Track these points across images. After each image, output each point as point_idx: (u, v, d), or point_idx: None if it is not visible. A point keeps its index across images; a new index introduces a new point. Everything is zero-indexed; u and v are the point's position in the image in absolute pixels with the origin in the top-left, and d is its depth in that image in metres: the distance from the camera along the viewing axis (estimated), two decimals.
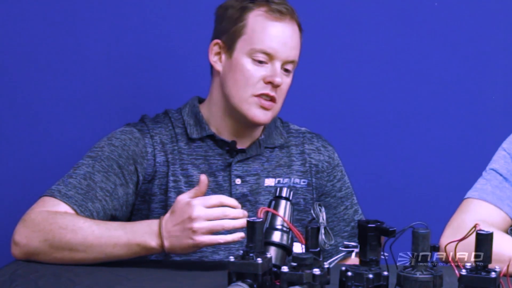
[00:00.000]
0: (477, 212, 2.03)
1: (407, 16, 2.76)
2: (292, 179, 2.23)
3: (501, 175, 2.09)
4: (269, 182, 2.19)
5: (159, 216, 2.14)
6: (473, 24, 2.76)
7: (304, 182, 2.24)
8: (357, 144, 2.72)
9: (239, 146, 2.18)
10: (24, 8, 2.64)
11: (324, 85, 2.73)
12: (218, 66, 2.16)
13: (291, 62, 2.14)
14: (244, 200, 2.17)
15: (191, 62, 2.65)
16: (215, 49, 2.16)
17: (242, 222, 1.86)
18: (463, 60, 2.77)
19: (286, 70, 2.14)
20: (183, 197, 1.91)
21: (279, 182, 2.20)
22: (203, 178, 1.93)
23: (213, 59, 2.17)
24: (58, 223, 1.96)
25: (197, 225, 1.87)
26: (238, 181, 2.18)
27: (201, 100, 2.24)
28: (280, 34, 2.11)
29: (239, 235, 1.86)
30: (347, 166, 2.33)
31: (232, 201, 1.90)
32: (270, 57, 2.11)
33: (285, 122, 2.30)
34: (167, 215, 1.93)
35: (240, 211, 1.88)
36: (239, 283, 1.60)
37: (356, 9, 2.74)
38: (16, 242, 1.99)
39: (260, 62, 2.11)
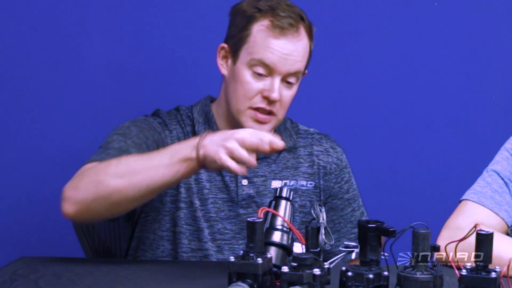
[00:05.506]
0: (474, 215, 2.02)
1: (407, 16, 2.76)
2: (299, 181, 2.22)
3: (502, 178, 2.08)
4: (276, 184, 2.19)
5: (170, 210, 2.16)
6: (473, 24, 2.76)
7: (310, 184, 2.23)
8: (357, 144, 2.72)
9: None
10: (38, 8, 2.64)
11: (325, 85, 2.73)
12: (224, 70, 2.16)
13: (293, 74, 2.11)
14: (250, 201, 2.17)
15: (203, 61, 2.65)
16: (222, 52, 2.16)
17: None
18: (463, 60, 2.77)
19: (289, 83, 2.12)
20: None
21: (285, 184, 2.20)
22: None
23: (220, 62, 2.16)
24: (103, 163, 1.92)
25: (230, 144, 1.80)
26: (244, 182, 2.18)
27: (213, 100, 2.24)
28: (280, 50, 2.08)
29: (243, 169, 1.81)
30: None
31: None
32: (269, 70, 2.09)
33: (295, 123, 2.29)
34: None
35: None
36: (239, 283, 1.60)
37: (356, 10, 2.74)
38: (65, 198, 1.92)
39: (260, 75, 2.09)
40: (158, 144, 2.11)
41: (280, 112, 2.13)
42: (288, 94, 2.13)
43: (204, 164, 1.85)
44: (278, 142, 1.81)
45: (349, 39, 2.74)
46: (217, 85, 2.24)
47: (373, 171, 2.77)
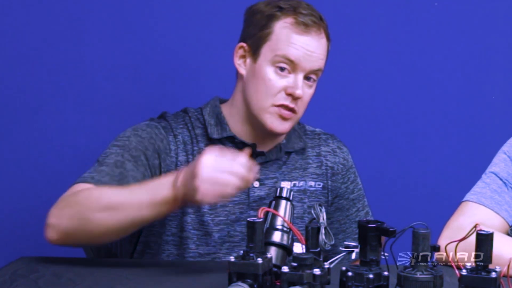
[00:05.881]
0: (475, 215, 2.03)
1: (407, 16, 2.76)
2: (307, 182, 2.22)
3: (501, 179, 2.09)
4: (285, 185, 2.18)
5: (176, 215, 2.14)
6: (473, 24, 2.76)
7: (319, 185, 2.23)
8: (357, 144, 2.72)
9: (259, 149, 2.16)
10: (45, 8, 2.64)
11: (325, 85, 2.73)
12: (242, 70, 2.14)
13: (315, 72, 2.11)
14: (261, 203, 2.15)
15: (211, 62, 2.65)
16: (240, 52, 2.14)
17: (244, 185, 1.81)
18: (463, 60, 2.77)
19: (310, 79, 2.12)
20: (208, 150, 1.83)
21: (294, 185, 2.19)
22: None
23: (238, 62, 2.15)
24: (84, 194, 1.92)
25: (200, 184, 1.79)
26: (256, 184, 2.16)
27: (221, 101, 2.22)
28: (305, 46, 2.08)
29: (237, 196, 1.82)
30: None
31: (244, 162, 1.81)
32: (293, 66, 2.08)
33: (301, 123, 2.28)
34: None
35: (247, 176, 1.80)
36: (239, 283, 1.60)
37: (357, 11, 2.74)
38: (49, 224, 1.94)
39: (282, 69, 2.08)
40: (159, 153, 2.11)
41: (301, 110, 2.13)
42: (308, 92, 2.13)
43: (189, 203, 1.86)
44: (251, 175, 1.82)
45: (349, 40, 2.74)
46: (224, 86, 2.23)
47: (373, 171, 2.77)
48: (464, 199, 2.09)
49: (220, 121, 2.17)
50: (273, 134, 2.14)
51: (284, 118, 2.10)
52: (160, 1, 2.67)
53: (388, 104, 2.78)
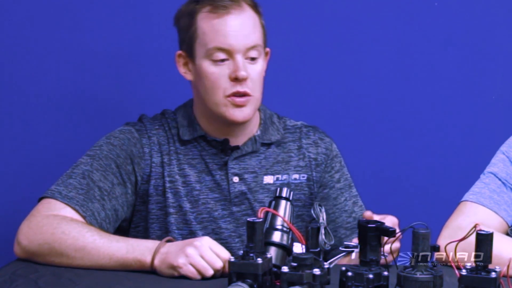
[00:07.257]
0: (474, 215, 2.02)
1: (407, 16, 2.76)
2: (291, 175, 2.21)
3: (499, 179, 2.08)
4: (268, 179, 2.18)
5: (157, 217, 2.16)
6: (473, 24, 2.76)
7: (303, 177, 2.22)
8: (358, 143, 2.72)
9: (234, 144, 2.16)
10: (28, 7, 2.63)
11: (326, 82, 2.73)
12: (189, 76, 2.16)
13: (253, 48, 2.10)
14: (242, 198, 2.16)
15: None
16: (181, 60, 2.16)
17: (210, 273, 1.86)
18: (463, 60, 2.77)
19: (252, 59, 2.10)
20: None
21: (277, 179, 2.19)
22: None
23: (182, 70, 2.16)
24: (62, 228, 1.96)
25: (192, 251, 1.86)
26: (235, 179, 2.17)
27: None
28: (230, 28, 2.08)
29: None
30: (348, 166, 2.32)
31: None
32: (228, 52, 2.08)
33: (282, 117, 2.27)
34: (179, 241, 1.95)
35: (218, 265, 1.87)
36: (239, 283, 1.60)
37: (356, 9, 2.74)
38: (18, 242, 1.99)
39: (222, 60, 2.09)
40: (132, 158, 2.12)
41: (255, 90, 2.11)
42: (254, 69, 2.11)
43: (156, 269, 1.90)
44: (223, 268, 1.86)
45: (349, 39, 2.74)
46: None
47: (374, 171, 2.77)
48: (463, 199, 2.08)
49: (192, 122, 2.17)
50: (237, 124, 2.13)
51: (239, 105, 2.10)
52: (139, 2, 2.67)
53: (388, 105, 2.78)
